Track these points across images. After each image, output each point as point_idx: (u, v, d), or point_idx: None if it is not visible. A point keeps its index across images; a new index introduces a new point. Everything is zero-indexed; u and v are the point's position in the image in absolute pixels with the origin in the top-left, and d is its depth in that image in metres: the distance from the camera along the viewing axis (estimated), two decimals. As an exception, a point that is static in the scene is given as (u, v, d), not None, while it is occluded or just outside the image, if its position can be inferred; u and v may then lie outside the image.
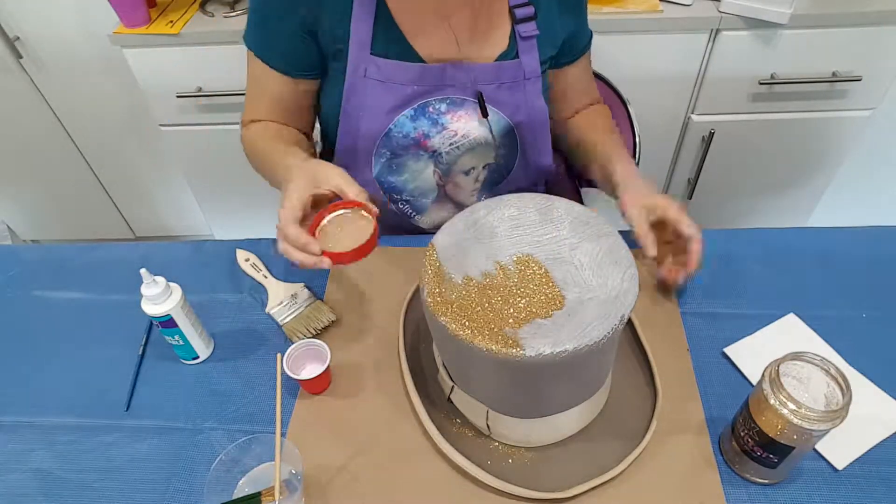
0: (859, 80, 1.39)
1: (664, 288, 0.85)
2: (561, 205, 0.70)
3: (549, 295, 0.61)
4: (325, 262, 0.68)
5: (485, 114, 0.87)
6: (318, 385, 0.75)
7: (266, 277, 0.89)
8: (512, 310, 0.60)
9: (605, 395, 0.72)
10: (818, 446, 0.68)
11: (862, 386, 0.73)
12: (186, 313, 0.76)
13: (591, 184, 1.10)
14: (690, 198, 1.66)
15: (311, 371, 0.74)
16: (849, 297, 0.83)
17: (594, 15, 1.04)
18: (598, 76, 1.12)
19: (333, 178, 0.73)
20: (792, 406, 0.57)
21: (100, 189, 1.90)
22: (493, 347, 0.57)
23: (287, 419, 0.74)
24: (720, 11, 1.31)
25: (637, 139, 1.16)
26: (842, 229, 0.93)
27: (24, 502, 0.69)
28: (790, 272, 0.87)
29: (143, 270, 0.71)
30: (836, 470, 0.67)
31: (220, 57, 1.39)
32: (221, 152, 1.59)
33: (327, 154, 0.99)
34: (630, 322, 0.80)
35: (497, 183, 0.99)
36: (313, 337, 0.81)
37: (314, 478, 0.68)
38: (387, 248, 0.93)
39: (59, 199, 1.93)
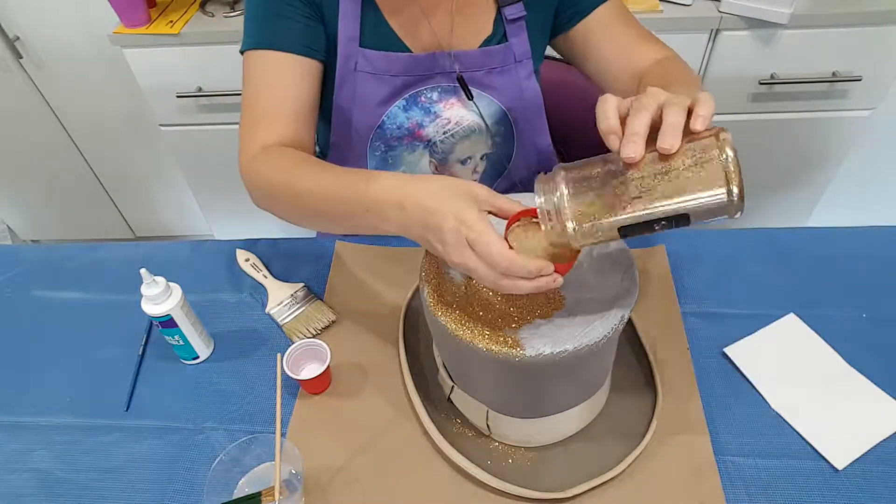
0: (859, 80, 1.39)
1: None
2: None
3: (549, 295, 0.61)
4: (560, 280, 0.55)
5: (469, 96, 0.87)
6: (318, 385, 0.75)
7: (266, 277, 0.89)
8: (512, 309, 0.60)
9: (605, 395, 0.72)
10: (818, 446, 0.68)
11: (862, 386, 0.73)
12: (186, 313, 0.76)
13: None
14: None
15: (311, 371, 0.74)
16: (849, 297, 0.83)
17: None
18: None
19: (489, 195, 0.58)
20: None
21: (100, 189, 1.90)
22: (493, 347, 0.57)
23: (287, 419, 0.74)
24: (720, 11, 1.31)
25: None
26: (842, 229, 0.93)
27: (24, 502, 0.69)
28: (790, 272, 0.87)
29: (143, 270, 0.71)
30: (836, 470, 0.67)
31: (220, 57, 1.39)
32: (221, 152, 1.59)
33: (319, 157, 0.98)
34: (630, 322, 0.80)
35: (498, 176, 0.99)
36: (313, 337, 0.81)
37: (314, 478, 0.68)
38: (387, 247, 0.93)
39: (59, 199, 1.93)
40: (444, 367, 0.72)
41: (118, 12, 1.35)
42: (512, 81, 0.88)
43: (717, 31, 1.33)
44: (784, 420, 0.71)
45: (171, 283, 0.75)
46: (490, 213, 0.56)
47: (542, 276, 0.53)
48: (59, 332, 0.86)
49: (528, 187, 0.89)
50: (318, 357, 0.76)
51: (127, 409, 0.77)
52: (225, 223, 1.86)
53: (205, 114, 1.51)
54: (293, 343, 0.76)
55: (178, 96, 1.45)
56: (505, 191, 0.71)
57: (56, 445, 0.74)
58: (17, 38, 1.52)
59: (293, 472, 0.66)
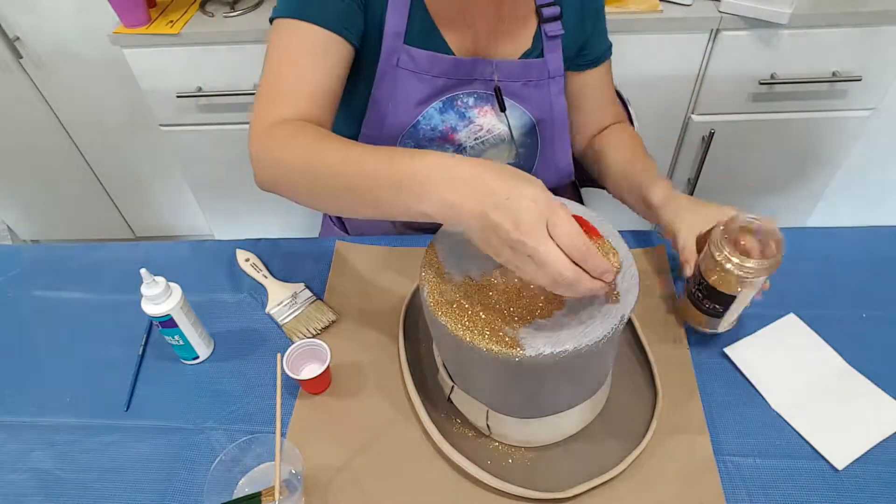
0: (859, 80, 1.39)
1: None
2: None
3: (549, 295, 0.61)
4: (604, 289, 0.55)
5: (502, 108, 0.88)
6: (318, 385, 0.75)
7: (266, 277, 0.89)
8: (512, 310, 0.60)
9: (605, 395, 0.72)
10: (818, 446, 0.68)
11: (862, 386, 0.73)
12: (186, 313, 0.76)
13: (591, 183, 1.10)
14: (690, 198, 1.66)
15: (311, 371, 0.74)
16: (849, 297, 0.83)
17: (594, 15, 1.04)
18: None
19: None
20: (735, 260, 0.69)
21: (100, 189, 1.90)
22: (493, 347, 0.57)
23: (287, 419, 0.74)
24: (720, 11, 1.31)
25: (637, 139, 1.16)
26: (842, 229, 0.93)
27: (24, 502, 0.69)
28: (790, 272, 0.86)
29: (143, 270, 0.71)
30: (836, 470, 0.67)
31: (220, 57, 1.39)
32: (221, 152, 1.59)
33: None
34: (630, 322, 0.80)
35: None
36: (313, 337, 0.81)
37: (314, 478, 0.68)
38: (387, 247, 0.93)
39: (59, 199, 1.93)
40: (444, 367, 0.72)
41: (118, 12, 1.35)
42: (544, 96, 0.90)
43: (717, 31, 1.33)
44: (784, 420, 0.71)
45: (171, 283, 0.75)
46: None
47: (603, 279, 0.52)
48: (58, 332, 0.86)
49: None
50: (318, 357, 0.76)
51: (127, 409, 0.77)
52: (225, 223, 1.86)
53: (205, 114, 1.51)
54: (293, 343, 0.76)
55: (177, 96, 1.45)
56: None
57: (56, 445, 0.74)
58: (17, 38, 1.52)
59: (293, 472, 0.66)
